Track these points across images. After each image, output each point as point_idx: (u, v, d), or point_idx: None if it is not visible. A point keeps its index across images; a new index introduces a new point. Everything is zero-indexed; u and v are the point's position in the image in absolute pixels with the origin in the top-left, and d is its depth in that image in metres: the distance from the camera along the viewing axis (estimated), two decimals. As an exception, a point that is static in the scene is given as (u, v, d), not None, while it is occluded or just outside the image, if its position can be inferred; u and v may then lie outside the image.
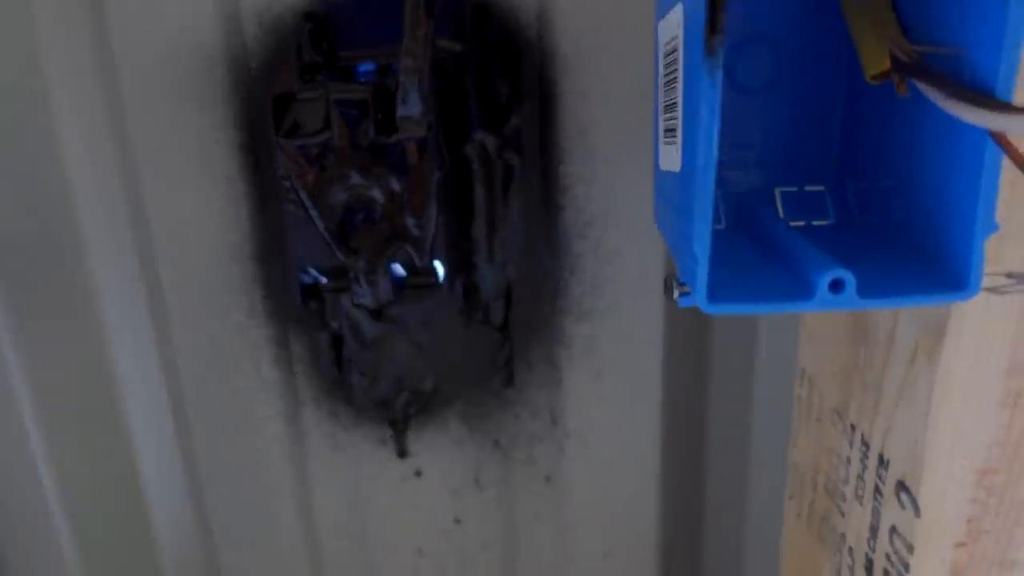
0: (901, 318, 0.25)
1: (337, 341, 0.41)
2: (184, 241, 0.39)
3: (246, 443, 0.43)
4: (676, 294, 0.22)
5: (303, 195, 0.30)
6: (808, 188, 0.27)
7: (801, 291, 0.20)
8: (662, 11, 0.24)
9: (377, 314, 0.39)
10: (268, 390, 0.42)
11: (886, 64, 0.21)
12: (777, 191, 0.27)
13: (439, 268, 0.34)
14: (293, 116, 0.30)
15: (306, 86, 0.32)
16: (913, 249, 0.22)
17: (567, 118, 0.37)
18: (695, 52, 0.18)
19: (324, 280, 0.33)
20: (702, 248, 0.19)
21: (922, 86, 0.19)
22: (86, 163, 0.38)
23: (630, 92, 0.36)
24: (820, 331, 0.30)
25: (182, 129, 0.37)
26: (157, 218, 0.39)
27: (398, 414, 0.43)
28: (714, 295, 0.19)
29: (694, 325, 0.41)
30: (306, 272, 0.32)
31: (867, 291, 0.20)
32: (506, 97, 0.36)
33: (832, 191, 0.27)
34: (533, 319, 0.41)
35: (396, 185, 0.30)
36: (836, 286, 0.19)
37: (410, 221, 0.31)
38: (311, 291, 0.35)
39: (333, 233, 0.30)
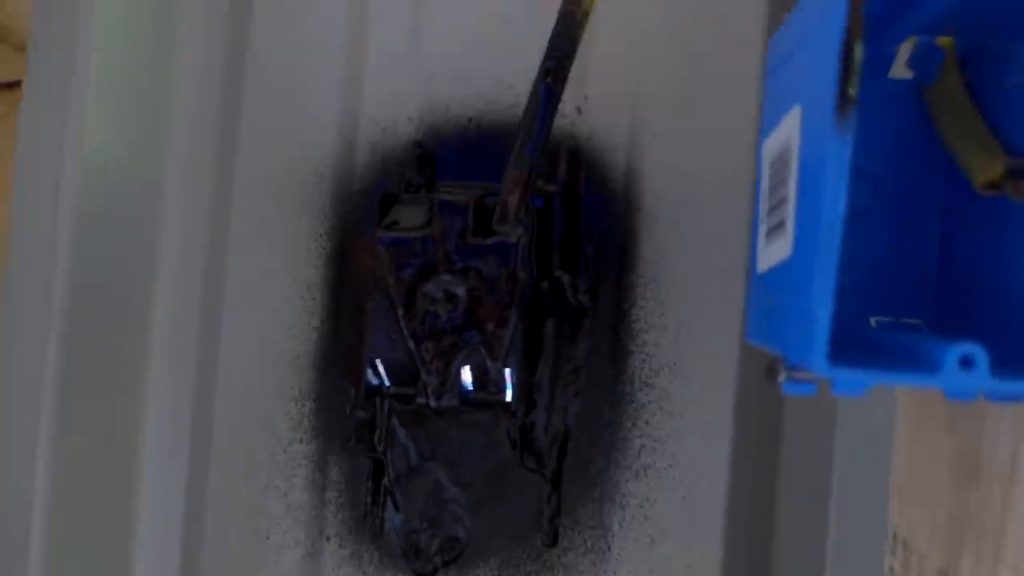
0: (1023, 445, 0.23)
1: (378, 468, 0.39)
2: (249, 341, 0.39)
3: (258, 571, 0.38)
4: (782, 377, 0.21)
5: (391, 285, 0.31)
6: (904, 320, 0.27)
7: (927, 365, 0.19)
8: (767, 129, 0.26)
9: (426, 439, 0.38)
10: (294, 516, 0.39)
11: (999, 170, 0.22)
12: (873, 320, 0.27)
13: (508, 384, 0.33)
14: (396, 214, 0.32)
15: (409, 193, 0.34)
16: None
17: (644, 267, 0.39)
18: (824, 120, 0.19)
19: (388, 384, 0.33)
20: (823, 304, 0.18)
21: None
22: (177, 246, 0.39)
23: (707, 250, 0.38)
24: (915, 483, 0.28)
25: (278, 232, 0.39)
26: (231, 314, 0.39)
27: (426, 565, 0.39)
28: (836, 357, 0.19)
29: (760, 494, 0.38)
30: (374, 370, 0.32)
31: (1002, 369, 0.19)
32: (588, 241, 0.38)
33: (929, 324, 0.26)
34: (586, 472, 0.39)
35: (482, 286, 0.31)
36: (966, 363, 0.19)
37: (489, 325, 0.31)
38: (373, 392, 0.34)
39: (412, 327, 0.30)
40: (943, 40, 0.25)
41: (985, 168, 0.22)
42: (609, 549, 0.38)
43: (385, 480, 0.38)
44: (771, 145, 0.25)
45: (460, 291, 0.30)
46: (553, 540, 0.38)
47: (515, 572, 0.38)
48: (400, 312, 0.30)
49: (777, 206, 0.23)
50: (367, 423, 0.39)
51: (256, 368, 0.39)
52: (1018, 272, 0.22)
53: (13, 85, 0.27)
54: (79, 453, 0.38)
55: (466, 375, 0.30)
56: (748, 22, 0.38)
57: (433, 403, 0.31)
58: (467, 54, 0.39)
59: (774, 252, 0.23)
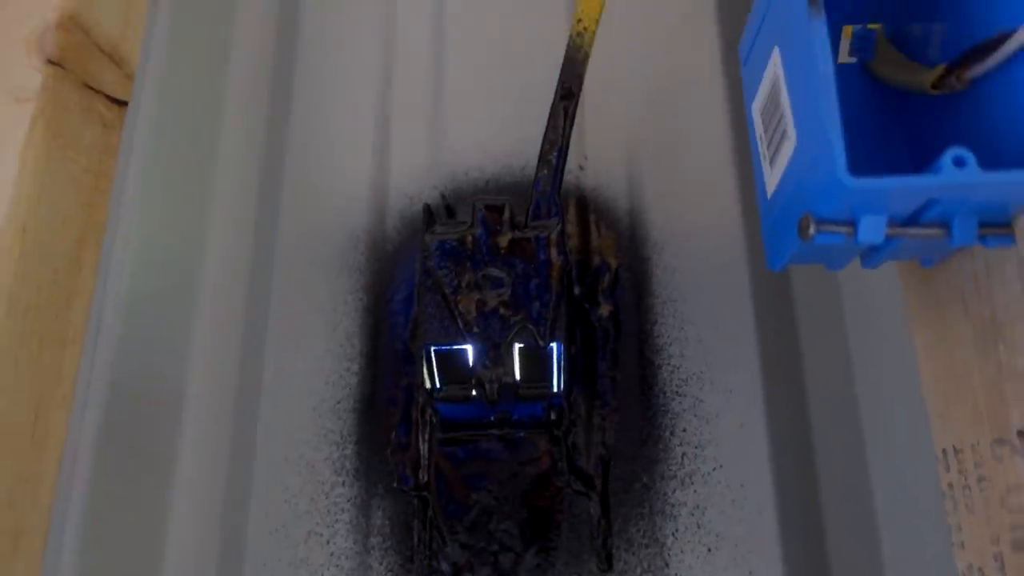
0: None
1: (423, 505, 0.39)
2: (290, 391, 0.41)
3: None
4: (812, 230, 0.25)
5: (442, 281, 0.34)
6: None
7: (931, 168, 0.22)
8: (751, 96, 0.32)
9: (471, 469, 0.38)
10: (338, 564, 0.38)
11: (940, 70, 0.27)
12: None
13: (556, 366, 0.35)
14: (444, 229, 0.36)
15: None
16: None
17: (659, 288, 0.42)
18: (799, 25, 0.25)
19: (440, 385, 0.35)
20: (834, 127, 0.23)
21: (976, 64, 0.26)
22: (220, 303, 0.42)
23: (711, 265, 0.42)
24: (948, 388, 0.30)
25: (318, 289, 0.43)
26: (272, 366, 0.41)
27: (478, 607, 0.37)
28: (854, 169, 0.22)
29: (804, 486, 0.39)
30: (429, 364, 0.34)
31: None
32: (608, 272, 0.42)
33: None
34: (633, 489, 0.39)
35: (525, 272, 0.34)
36: (959, 162, 0.23)
37: (535, 304, 0.34)
38: (429, 395, 0.36)
39: (465, 315, 0.33)
40: (873, 25, 0.32)
41: (930, 75, 0.28)
42: (667, 565, 0.37)
43: (430, 514, 0.38)
44: (759, 98, 0.30)
45: (505, 278, 0.33)
46: (608, 564, 0.38)
47: (573, 603, 0.37)
48: (452, 303, 0.33)
49: (775, 129, 0.28)
50: (411, 458, 0.39)
51: (297, 415, 0.40)
52: (987, 117, 0.26)
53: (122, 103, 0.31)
54: (114, 501, 0.37)
55: (516, 354, 0.32)
56: (711, 80, 0.46)
57: (488, 386, 0.32)
58: (481, 129, 0.46)
59: (780, 161, 0.28)
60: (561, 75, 0.37)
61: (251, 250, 0.43)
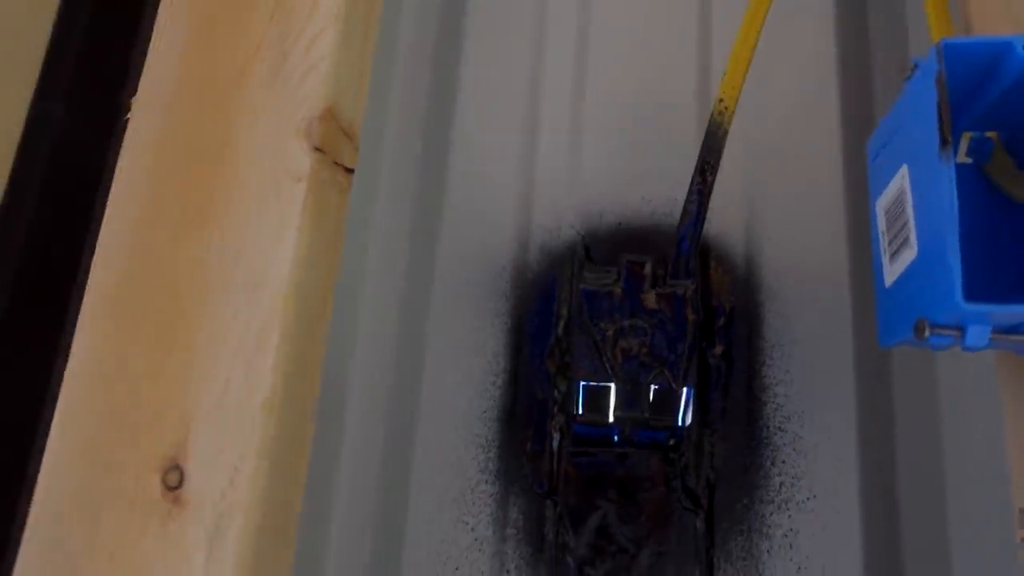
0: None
1: (554, 507, 0.46)
2: (444, 402, 0.48)
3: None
4: (927, 333, 0.30)
5: (591, 328, 0.40)
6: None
7: None
8: (876, 193, 0.37)
9: (596, 480, 0.45)
10: (480, 548, 0.46)
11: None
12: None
13: (686, 405, 0.41)
14: (592, 277, 0.43)
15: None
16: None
17: (769, 332, 0.48)
18: (930, 161, 0.30)
19: (583, 411, 0.41)
20: (955, 257, 0.28)
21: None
22: (382, 320, 0.49)
23: (818, 315, 0.47)
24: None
25: (470, 311, 0.50)
26: (430, 379, 0.49)
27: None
28: (970, 295, 0.28)
29: (888, 520, 0.44)
30: (577, 396, 0.40)
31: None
32: (724, 314, 0.48)
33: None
34: (734, 509, 0.45)
35: (663, 325, 0.41)
36: None
37: (671, 354, 0.40)
38: (580, 421, 0.42)
39: (612, 359, 0.40)
40: (990, 133, 0.37)
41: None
42: (761, 577, 0.44)
43: (559, 512, 0.45)
44: (883, 200, 0.36)
45: (647, 328, 0.39)
46: (710, 572, 0.44)
47: (678, 600, 0.44)
48: (600, 347, 0.39)
49: (898, 232, 0.34)
50: (545, 467, 0.46)
51: (450, 421, 0.48)
52: None
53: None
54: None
55: (652, 395, 0.39)
56: (826, 148, 0.50)
57: (625, 419, 0.39)
58: (615, 175, 0.52)
59: (900, 263, 0.33)
60: (702, 151, 0.42)
61: (411, 275, 0.51)
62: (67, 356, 0.33)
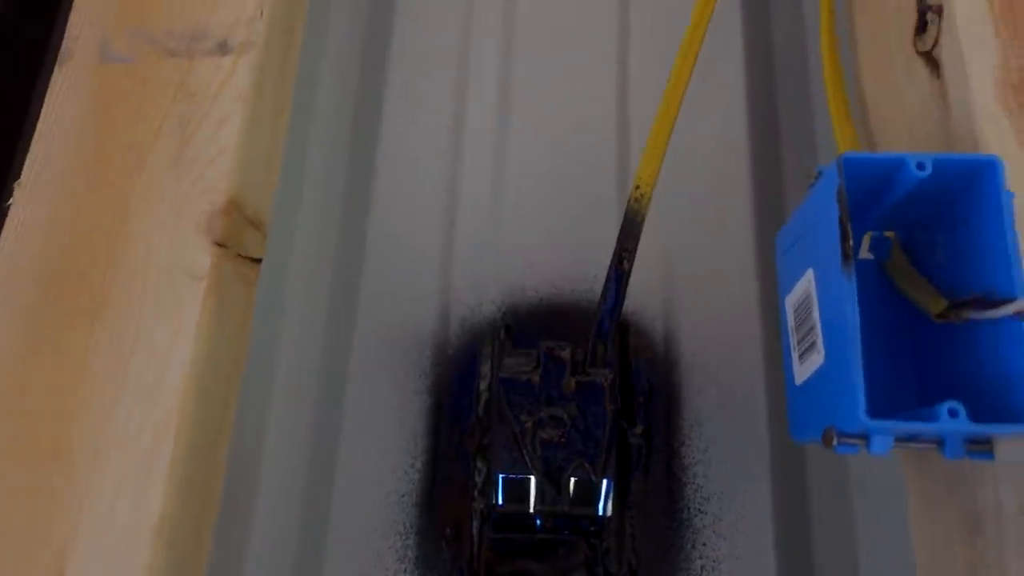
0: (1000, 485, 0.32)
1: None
2: (361, 486, 0.47)
3: None
4: (835, 442, 0.31)
5: (510, 418, 0.40)
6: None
7: (928, 416, 0.29)
8: (785, 289, 0.37)
9: (520, 552, 0.44)
10: (397, 644, 0.44)
11: (942, 306, 0.33)
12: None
13: (604, 496, 0.41)
14: (509, 362, 0.42)
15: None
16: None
17: (686, 411, 0.48)
18: (834, 271, 0.30)
19: (502, 502, 0.40)
20: (858, 378, 0.29)
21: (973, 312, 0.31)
22: (295, 398, 0.47)
23: (737, 393, 0.48)
24: (933, 561, 0.35)
25: (387, 389, 0.48)
26: (346, 462, 0.47)
27: None
28: (873, 412, 0.28)
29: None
30: (495, 486, 0.39)
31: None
32: (641, 396, 0.48)
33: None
34: (655, 593, 0.45)
35: (583, 415, 0.40)
36: (952, 413, 0.28)
37: (590, 444, 0.40)
38: (500, 511, 0.41)
39: (529, 449, 0.39)
40: (888, 233, 0.38)
41: (934, 306, 0.33)
42: (682, 665, 0.43)
43: (479, 605, 0.44)
44: (792, 298, 0.36)
45: (565, 418, 0.39)
46: (632, 662, 0.43)
47: None
48: (519, 439, 0.38)
49: (806, 335, 0.34)
50: (465, 552, 0.45)
51: (367, 507, 0.46)
52: (977, 357, 0.32)
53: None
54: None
55: (572, 486, 0.38)
56: (739, 232, 0.52)
57: (545, 510, 0.38)
58: (537, 251, 0.52)
59: (809, 365, 0.34)
60: (619, 238, 0.42)
61: (327, 351, 0.49)
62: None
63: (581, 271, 0.51)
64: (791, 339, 0.35)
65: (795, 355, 0.35)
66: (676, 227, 0.51)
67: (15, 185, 0.34)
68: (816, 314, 0.32)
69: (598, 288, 0.47)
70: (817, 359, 0.32)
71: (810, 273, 0.33)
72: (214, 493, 0.31)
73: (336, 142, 0.53)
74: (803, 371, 0.34)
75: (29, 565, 0.27)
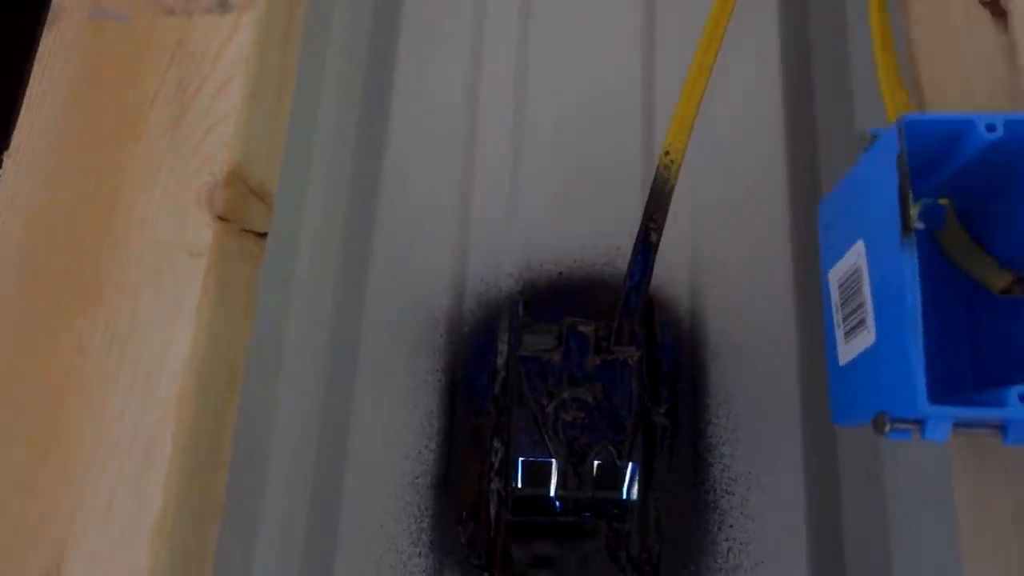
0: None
1: (491, 580, 0.43)
2: (373, 468, 0.45)
3: None
4: (887, 428, 0.28)
5: (530, 399, 0.38)
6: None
7: (997, 400, 0.26)
8: (829, 262, 0.35)
9: (536, 552, 0.42)
10: (413, 629, 0.42)
11: (1008, 280, 0.30)
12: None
13: (631, 480, 0.39)
14: (529, 339, 0.40)
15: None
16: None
17: (714, 390, 0.46)
18: (889, 242, 0.28)
19: (522, 485, 0.38)
20: (917, 356, 0.26)
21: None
22: (305, 379, 0.45)
23: (765, 372, 0.46)
24: (985, 548, 0.33)
25: (401, 368, 0.46)
26: (358, 444, 0.45)
27: (538, 676, 0.42)
28: (933, 398, 0.26)
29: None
30: (515, 471, 0.37)
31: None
32: (667, 373, 0.46)
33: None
34: (680, 577, 0.43)
35: (608, 396, 0.38)
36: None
37: (615, 426, 0.38)
38: (519, 496, 0.39)
39: (552, 432, 0.37)
40: (943, 201, 0.35)
41: (997, 279, 0.31)
42: (709, 651, 0.42)
43: (498, 590, 0.42)
44: (837, 272, 0.34)
45: (589, 400, 0.36)
46: (656, 648, 0.42)
47: None
48: (540, 421, 0.36)
49: (853, 311, 0.32)
50: (482, 537, 0.43)
51: (379, 489, 0.44)
52: None
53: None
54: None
55: (596, 470, 0.36)
56: (772, 202, 0.49)
57: (567, 495, 0.36)
58: (556, 222, 0.49)
59: (856, 344, 0.31)
60: (647, 209, 0.40)
61: (337, 329, 0.47)
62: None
63: (604, 243, 0.49)
64: (835, 316, 0.33)
65: (839, 333, 0.32)
66: (703, 197, 0.49)
67: (3, 156, 0.32)
68: (867, 289, 0.30)
69: (621, 261, 0.45)
70: (866, 338, 0.30)
71: (860, 245, 0.30)
72: (217, 484, 0.29)
73: (346, 109, 0.50)
74: (849, 350, 0.31)
75: (25, 564, 0.25)
